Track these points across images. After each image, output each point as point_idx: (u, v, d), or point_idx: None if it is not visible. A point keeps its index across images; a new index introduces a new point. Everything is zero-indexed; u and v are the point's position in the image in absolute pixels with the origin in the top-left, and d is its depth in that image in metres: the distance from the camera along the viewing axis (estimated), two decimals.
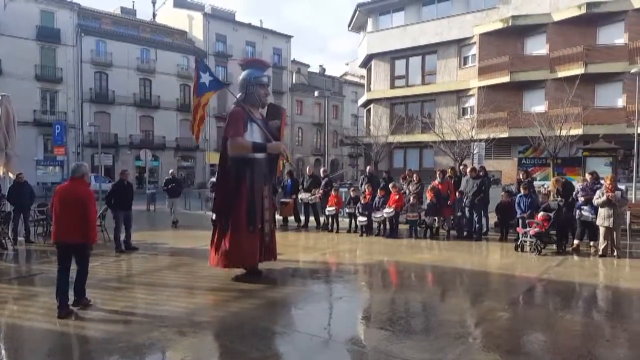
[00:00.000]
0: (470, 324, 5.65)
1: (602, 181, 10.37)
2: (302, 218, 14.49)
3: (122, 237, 10.56)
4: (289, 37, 55.73)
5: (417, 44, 29.46)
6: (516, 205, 10.68)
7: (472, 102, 27.81)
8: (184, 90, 46.18)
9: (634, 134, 17.87)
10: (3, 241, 10.87)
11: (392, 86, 31.50)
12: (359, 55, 35.88)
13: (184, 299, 6.70)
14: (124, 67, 41.90)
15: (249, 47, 50.95)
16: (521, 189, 10.85)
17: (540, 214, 9.93)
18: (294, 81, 56.12)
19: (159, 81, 44.10)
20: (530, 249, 9.94)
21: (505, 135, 24.53)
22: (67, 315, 5.76)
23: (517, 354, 4.66)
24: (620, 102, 23.49)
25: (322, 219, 14.03)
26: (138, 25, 46.91)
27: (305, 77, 59.89)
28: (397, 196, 12.32)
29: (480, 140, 22.12)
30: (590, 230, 10.23)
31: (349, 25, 35.53)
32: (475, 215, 11.83)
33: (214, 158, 46.08)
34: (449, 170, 13.77)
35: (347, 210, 13.53)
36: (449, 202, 12.24)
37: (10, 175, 11.59)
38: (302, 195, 14.18)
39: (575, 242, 10.22)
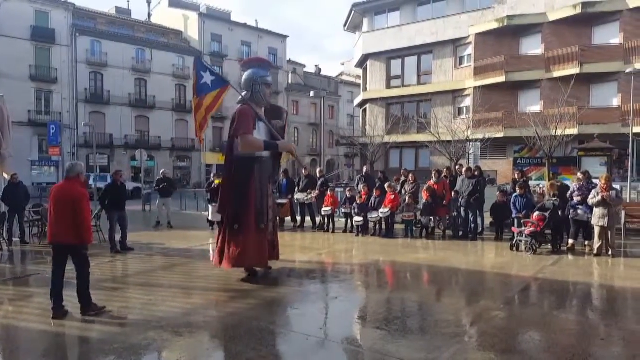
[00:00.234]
0: (466, 323, 5.66)
1: (594, 180, 10.44)
2: (298, 218, 14.50)
3: (118, 237, 10.54)
4: (284, 37, 55.70)
5: (413, 44, 29.51)
6: (512, 205, 10.70)
7: (467, 102, 27.88)
8: (179, 90, 46.12)
9: (629, 133, 17.95)
10: None
11: (388, 86, 31.55)
12: (354, 55, 35.91)
13: (179, 300, 6.69)
14: (119, 67, 41.78)
15: (245, 47, 50.91)
16: (517, 188, 10.88)
17: (536, 214, 9.96)
18: (289, 81, 56.11)
19: (154, 81, 44.01)
20: (525, 248, 9.96)
21: (500, 135, 24.60)
22: (62, 317, 5.73)
23: (512, 353, 4.68)
24: (615, 102, 23.61)
25: (318, 219, 14.04)
26: (133, 25, 46.81)
27: (301, 77, 59.87)
28: (393, 196, 12.34)
29: (476, 140, 22.18)
30: (585, 229, 10.28)
31: (344, 25, 35.54)
32: (470, 215, 11.86)
33: (211, 158, 46.27)
34: (445, 170, 13.79)
35: (343, 211, 13.56)
36: (444, 202, 12.25)
37: (5, 175, 11.56)
38: (298, 196, 14.18)
39: (570, 241, 10.26)
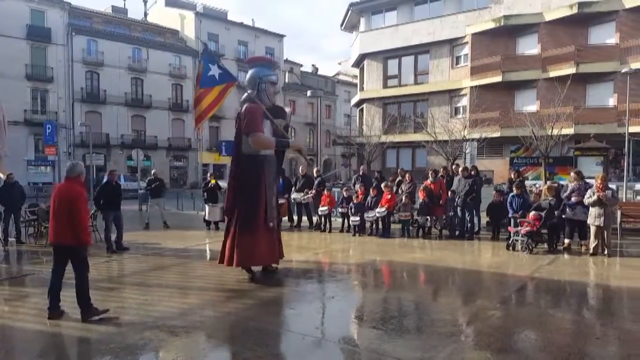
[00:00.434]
0: (462, 322, 5.67)
1: (589, 181, 10.49)
2: (295, 218, 14.50)
3: (113, 237, 10.52)
4: (281, 36, 55.66)
5: (410, 43, 29.51)
6: (508, 204, 10.73)
7: (464, 101, 27.91)
8: (175, 89, 46.03)
9: (624, 133, 18.02)
10: None
11: (385, 86, 31.55)
12: (351, 55, 35.89)
13: (176, 299, 6.68)
14: (115, 66, 41.66)
15: (241, 46, 50.85)
16: (514, 188, 10.91)
17: (532, 213, 9.99)
18: (286, 81, 56.08)
19: (150, 80, 43.90)
20: (521, 248, 9.99)
21: (497, 134, 24.64)
22: (57, 317, 5.70)
23: (508, 352, 4.69)
24: (611, 102, 23.67)
25: (314, 219, 14.04)
26: (129, 24, 46.68)
27: (298, 76, 59.85)
28: (390, 196, 12.35)
29: (473, 140, 22.23)
30: (580, 229, 10.31)
31: (341, 25, 35.53)
32: (467, 215, 11.89)
33: (207, 158, 46.21)
34: (441, 169, 13.81)
35: (340, 210, 13.57)
36: (441, 201, 12.28)
37: (1, 175, 11.52)
38: (295, 195, 14.18)
39: (566, 241, 10.30)
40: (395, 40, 30.15)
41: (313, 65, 66.36)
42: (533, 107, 24.58)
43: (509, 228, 10.49)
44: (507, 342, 5.03)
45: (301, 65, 62.50)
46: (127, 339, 5.05)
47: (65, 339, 5.36)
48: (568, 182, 10.44)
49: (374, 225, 12.64)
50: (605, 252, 9.42)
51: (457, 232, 12.11)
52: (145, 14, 52.40)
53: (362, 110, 33.98)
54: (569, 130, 21.07)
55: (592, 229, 9.49)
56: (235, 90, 8.50)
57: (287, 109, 9.05)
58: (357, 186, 13.57)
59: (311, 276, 8.23)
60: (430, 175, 12.77)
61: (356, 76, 40.65)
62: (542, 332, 5.29)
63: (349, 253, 10.70)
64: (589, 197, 9.42)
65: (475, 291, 7.27)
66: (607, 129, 22.01)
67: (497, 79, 25.64)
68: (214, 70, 8.03)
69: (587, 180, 10.63)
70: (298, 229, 14.03)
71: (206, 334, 5.34)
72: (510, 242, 10.26)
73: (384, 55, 31.24)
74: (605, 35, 24.09)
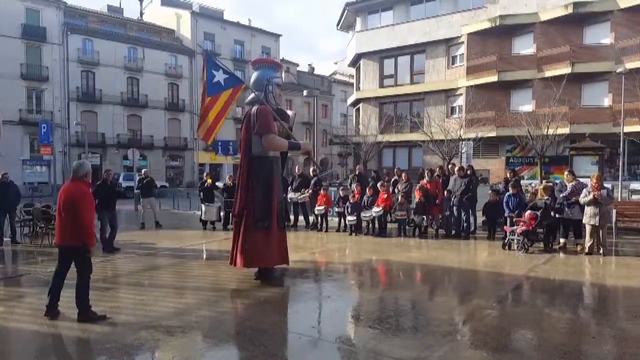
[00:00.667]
0: (458, 321, 5.68)
1: (583, 180, 10.54)
2: (292, 217, 14.48)
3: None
4: (277, 35, 55.62)
5: (406, 43, 29.57)
6: (504, 204, 10.75)
7: (460, 101, 27.97)
8: (172, 89, 45.94)
9: (619, 133, 18.10)
10: None
11: (381, 85, 31.60)
12: (347, 55, 35.92)
13: (172, 299, 6.67)
14: (111, 65, 41.53)
15: (238, 46, 50.79)
16: (510, 188, 10.93)
17: (528, 213, 10.02)
18: (283, 80, 56.01)
19: (146, 80, 43.79)
20: (517, 247, 10.02)
21: (493, 134, 24.71)
22: (54, 316, 5.67)
23: (504, 352, 4.70)
24: (606, 102, 23.78)
25: (311, 218, 14.04)
26: (125, 23, 46.55)
27: (294, 76, 59.83)
28: (386, 195, 12.36)
29: (469, 139, 22.27)
30: (576, 228, 10.35)
31: (337, 25, 35.55)
32: (463, 214, 11.90)
33: (203, 158, 46.14)
34: (437, 169, 13.83)
35: (336, 210, 13.56)
36: (437, 201, 12.30)
37: None
38: (291, 195, 14.17)
39: (562, 240, 10.33)
40: (391, 40, 30.20)
41: (309, 64, 66.35)
42: (529, 107, 24.67)
43: (505, 227, 10.51)
44: (503, 341, 5.04)
45: (297, 65, 62.48)
46: (123, 339, 5.04)
47: (61, 339, 5.33)
48: (566, 182, 10.43)
49: (370, 225, 12.65)
50: (601, 251, 9.45)
51: (453, 232, 12.13)
52: (141, 13, 52.26)
53: (358, 109, 34.02)
54: (565, 130, 21.16)
55: (588, 228, 9.52)
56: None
57: (290, 112, 9.04)
58: (354, 186, 13.57)
59: (307, 276, 8.22)
60: (426, 174, 12.80)
61: (352, 76, 40.70)
62: (538, 331, 5.31)
63: (346, 252, 10.71)
64: (585, 197, 9.45)
65: (471, 290, 7.29)
66: (602, 129, 22.11)
67: (493, 78, 25.72)
68: (219, 76, 7.95)
69: (582, 180, 10.67)
70: (294, 229, 14.02)
71: (202, 334, 5.32)
72: (506, 241, 10.29)
73: (380, 55, 31.28)
74: (600, 35, 24.20)
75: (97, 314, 5.67)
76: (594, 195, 9.24)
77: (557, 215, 10.24)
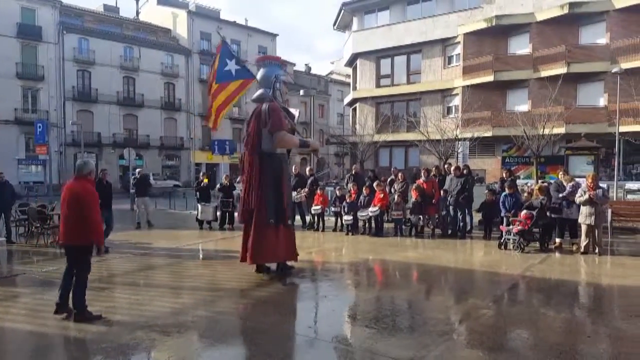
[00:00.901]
0: (454, 321, 5.69)
1: (577, 180, 10.58)
2: None
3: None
4: (274, 35, 55.59)
5: (402, 43, 29.56)
6: (501, 204, 10.77)
7: (456, 101, 28.00)
8: (168, 88, 45.82)
9: (615, 132, 18.16)
10: None
11: (378, 85, 31.59)
12: (344, 54, 35.89)
13: (168, 299, 6.65)
14: (107, 65, 41.37)
15: (234, 45, 50.55)
16: (506, 188, 10.95)
17: (524, 212, 10.05)
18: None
19: (142, 79, 43.65)
20: (513, 246, 10.05)
21: (489, 134, 24.75)
22: (63, 314, 5.66)
23: (500, 351, 4.71)
24: (602, 102, 23.84)
25: (307, 218, 14.03)
26: (121, 23, 46.39)
27: (291, 75, 59.73)
28: (382, 195, 12.37)
29: (465, 139, 22.30)
30: (571, 228, 10.38)
31: (334, 24, 35.51)
32: (459, 214, 11.93)
33: (200, 157, 46.05)
34: (434, 169, 13.85)
35: (333, 209, 13.56)
36: (433, 200, 12.31)
37: None
38: None
39: (558, 240, 10.36)
40: (387, 39, 30.19)
41: (306, 64, 66.30)
42: (524, 107, 24.71)
43: (501, 227, 10.54)
44: (499, 340, 5.05)
45: (294, 65, 62.38)
46: (119, 338, 5.02)
47: (57, 339, 5.32)
48: (564, 182, 10.45)
49: (366, 225, 12.65)
50: (596, 250, 9.49)
51: (449, 231, 12.15)
52: (137, 13, 52.10)
53: (355, 109, 34.01)
54: (560, 130, 21.20)
55: (583, 228, 9.56)
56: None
57: (294, 111, 9.05)
58: (350, 185, 13.58)
59: (304, 275, 8.22)
60: (423, 174, 12.82)
61: (349, 75, 40.66)
62: (534, 331, 5.32)
63: (342, 252, 10.71)
64: (580, 196, 9.48)
65: (467, 290, 7.30)
66: (597, 129, 22.16)
67: (489, 78, 25.75)
68: (231, 66, 7.94)
69: (578, 180, 10.70)
70: None
71: (198, 334, 5.31)
72: (502, 241, 10.31)
73: (377, 55, 31.27)
74: (596, 36, 24.26)
75: (93, 313, 5.65)
76: (589, 195, 9.27)
77: (553, 215, 10.27)
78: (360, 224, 12.81)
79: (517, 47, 26.40)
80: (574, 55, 23.65)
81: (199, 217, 14.26)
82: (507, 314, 5.99)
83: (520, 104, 25.49)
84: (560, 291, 7.30)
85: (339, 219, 13.27)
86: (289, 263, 8.27)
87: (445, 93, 28.65)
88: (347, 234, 12.62)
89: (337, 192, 13.59)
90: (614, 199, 14.88)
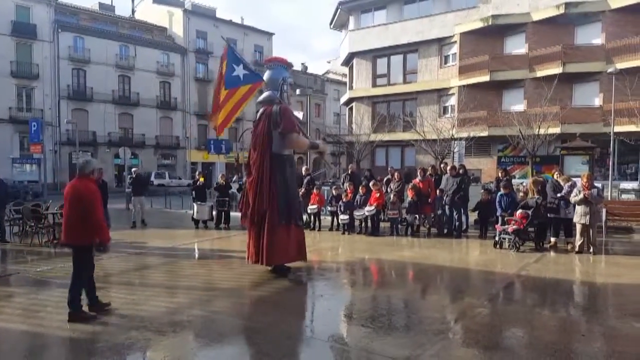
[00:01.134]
0: (450, 320, 5.70)
1: (573, 179, 10.62)
2: None
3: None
4: (270, 34, 55.51)
5: (399, 42, 29.60)
6: (497, 203, 10.79)
7: (452, 100, 28.06)
8: (164, 87, 45.72)
9: (610, 132, 18.24)
10: None
11: (374, 84, 31.61)
12: (340, 54, 35.88)
13: (163, 299, 6.63)
14: (102, 63, 41.24)
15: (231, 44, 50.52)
16: (502, 188, 10.97)
17: (519, 212, 10.07)
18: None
19: (138, 78, 43.53)
20: (508, 246, 10.07)
21: (485, 133, 24.82)
22: (103, 308, 5.82)
23: (495, 349, 4.72)
24: (597, 102, 23.94)
25: (304, 217, 14.00)
26: (117, 21, 46.24)
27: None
28: (378, 194, 12.38)
29: (461, 139, 22.36)
30: (566, 227, 10.42)
31: (330, 23, 35.50)
32: (455, 213, 11.95)
33: (195, 156, 45.96)
34: (430, 168, 13.87)
35: (329, 209, 13.56)
36: (429, 200, 12.33)
37: None
38: None
39: (553, 239, 10.40)
40: (384, 39, 30.21)
41: (302, 63, 66.18)
42: (520, 107, 24.79)
43: (496, 226, 10.56)
44: (494, 339, 5.06)
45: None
46: (114, 338, 5.00)
47: (51, 339, 5.29)
48: (561, 181, 10.48)
49: (363, 224, 12.66)
50: (591, 250, 9.52)
51: (445, 231, 12.17)
52: (133, 11, 51.94)
53: (351, 108, 34.02)
54: (556, 130, 21.30)
55: (578, 227, 9.59)
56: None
57: (298, 114, 9.10)
58: (346, 185, 13.58)
59: (300, 274, 8.21)
60: (418, 173, 12.85)
61: (345, 75, 40.67)
62: (529, 329, 5.34)
63: (338, 251, 10.71)
64: (575, 196, 9.51)
65: (463, 289, 7.31)
66: (592, 129, 22.26)
67: (485, 78, 25.81)
68: (239, 71, 7.95)
69: (573, 179, 10.74)
70: None
71: (194, 333, 5.30)
72: (497, 240, 10.34)
73: (373, 54, 31.29)
74: (592, 36, 24.36)
75: (88, 313, 5.63)
76: (584, 195, 9.31)
77: (549, 215, 10.30)
78: (357, 223, 12.81)
79: (513, 47, 26.48)
80: (570, 55, 23.74)
81: (194, 216, 14.23)
82: (502, 313, 6.00)
83: (516, 103, 25.58)
84: (555, 290, 7.32)
85: (335, 219, 13.27)
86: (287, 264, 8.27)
87: (442, 93, 28.70)
88: (344, 233, 12.62)
89: (334, 192, 13.60)
90: (609, 199, 14.96)
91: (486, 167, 25.98)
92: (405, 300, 6.67)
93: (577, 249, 9.60)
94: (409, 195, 12.42)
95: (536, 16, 25.05)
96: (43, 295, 6.78)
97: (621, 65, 21.01)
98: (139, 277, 8.13)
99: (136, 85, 43.38)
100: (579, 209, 9.48)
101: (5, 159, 34.65)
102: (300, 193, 13.82)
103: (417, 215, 12.30)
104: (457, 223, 11.97)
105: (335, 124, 56.86)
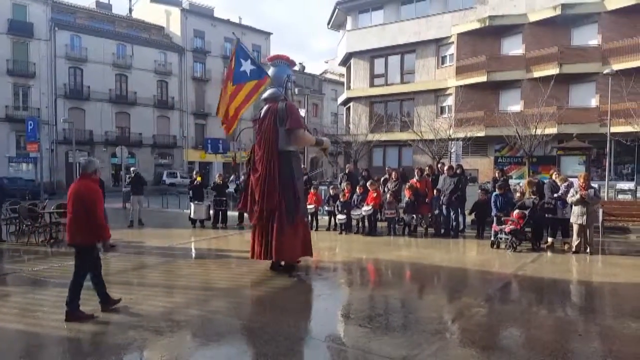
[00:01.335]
0: (447, 320, 5.71)
1: (571, 179, 10.66)
2: None
3: None
4: (268, 34, 55.46)
5: (396, 42, 29.61)
6: (492, 203, 10.82)
7: (449, 101, 28.09)
8: (161, 86, 45.61)
9: (606, 133, 18.29)
10: None
11: (372, 85, 31.61)
12: (338, 54, 35.85)
13: (161, 298, 6.62)
14: (99, 62, 41.10)
15: (227, 43, 50.42)
16: (497, 189, 11.00)
17: (516, 212, 10.10)
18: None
19: (135, 77, 43.41)
20: (505, 246, 10.10)
21: (482, 134, 24.85)
22: (113, 304, 5.87)
23: (492, 349, 4.73)
24: (594, 102, 24.00)
25: None
26: (114, 20, 46.12)
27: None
28: (375, 194, 12.39)
29: (458, 139, 22.38)
30: (563, 227, 10.45)
31: (328, 23, 35.48)
32: (452, 213, 11.97)
33: (193, 155, 45.89)
34: (427, 168, 13.89)
35: (327, 208, 13.57)
36: (426, 200, 12.35)
37: None
38: None
39: (549, 239, 10.43)
40: (381, 39, 30.21)
41: (300, 63, 66.02)
42: (517, 107, 24.83)
43: (493, 226, 10.58)
44: (491, 339, 5.08)
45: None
46: (111, 338, 5.00)
47: (49, 339, 5.27)
48: (558, 182, 10.51)
49: (360, 224, 12.67)
50: (588, 250, 9.56)
51: (442, 230, 12.19)
52: (130, 10, 51.80)
53: (349, 108, 34.02)
54: (552, 130, 21.34)
55: (575, 228, 9.62)
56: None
57: (301, 111, 9.16)
58: (344, 184, 13.59)
59: (298, 274, 8.21)
60: (416, 173, 12.87)
61: (343, 75, 40.65)
62: (526, 329, 5.35)
63: (336, 251, 10.71)
64: (572, 196, 9.55)
65: (460, 289, 7.33)
66: (589, 129, 22.31)
67: (482, 78, 25.84)
68: (246, 66, 7.94)
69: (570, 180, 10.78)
70: None
71: (191, 333, 5.30)
72: (494, 240, 10.36)
73: (371, 54, 31.29)
74: (588, 37, 24.41)
75: (85, 313, 5.62)
76: (581, 195, 9.34)
77: (547, 215, 10.33)
78: (354, 223, 12.82)
79: (510, 48, 26.52)
80: (566, 56, 23.80)
81: (192, 216, 14.22)
82: (499, 313, 6.01)
83: (512, 104, 25.61)
84: (552, 290, 7.35)
85: (332, 218, 13.27)
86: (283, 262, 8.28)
87: (439, 93, 28.73)
88: (341, 233, 12.63)
89: (331, 191, 13.60)
90: (605, 199, 15.00)
91: (483, 167, 26.02)
92: (403, 300, 6.68)
93: (574, 249, 9.63)
94: (406, 195, 12.44)
95: (533, 17, 25.09)
96: (40, 295, 6.76)
97: (617, 66, 21.07)
98: (136, 276, 8.12)
99: (133, 84, 43.26)
100: (576, 209, 9.51)
101: (1, 158, 34.53)
102: None
103: (414, 215, 12.32)
104: (454, 223, 11.99)
105: (333, 124, 56.76)
